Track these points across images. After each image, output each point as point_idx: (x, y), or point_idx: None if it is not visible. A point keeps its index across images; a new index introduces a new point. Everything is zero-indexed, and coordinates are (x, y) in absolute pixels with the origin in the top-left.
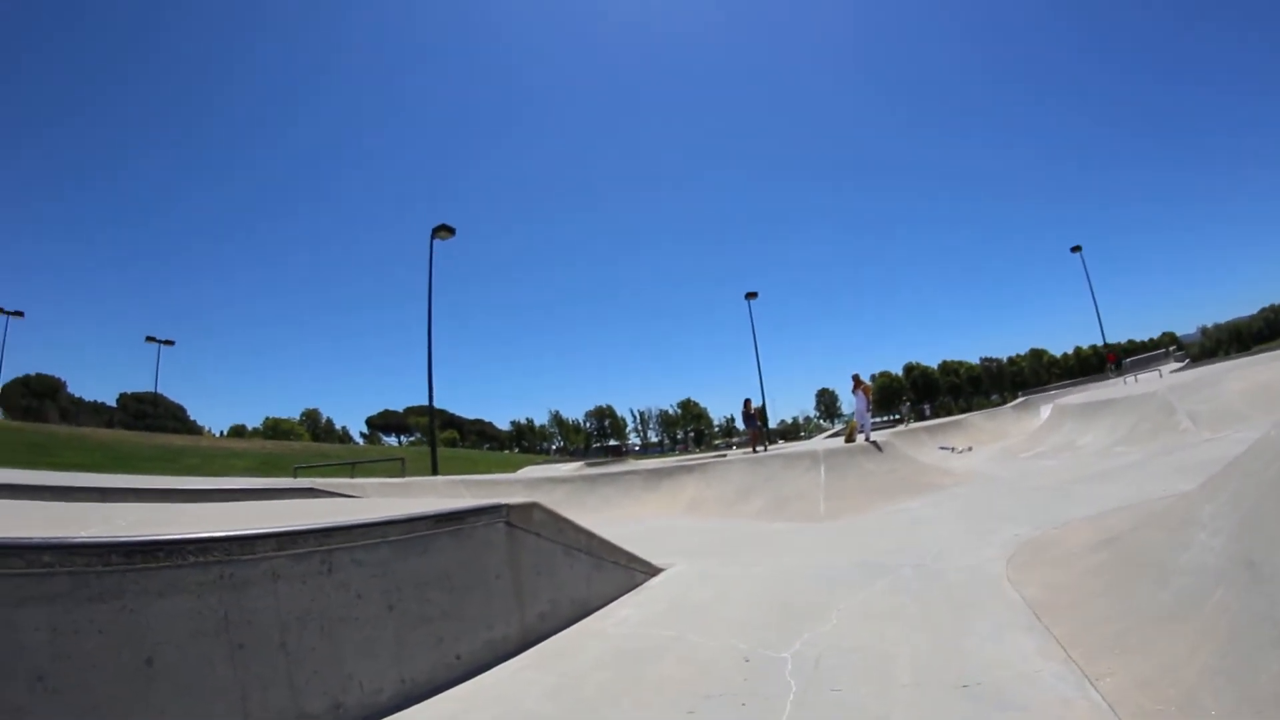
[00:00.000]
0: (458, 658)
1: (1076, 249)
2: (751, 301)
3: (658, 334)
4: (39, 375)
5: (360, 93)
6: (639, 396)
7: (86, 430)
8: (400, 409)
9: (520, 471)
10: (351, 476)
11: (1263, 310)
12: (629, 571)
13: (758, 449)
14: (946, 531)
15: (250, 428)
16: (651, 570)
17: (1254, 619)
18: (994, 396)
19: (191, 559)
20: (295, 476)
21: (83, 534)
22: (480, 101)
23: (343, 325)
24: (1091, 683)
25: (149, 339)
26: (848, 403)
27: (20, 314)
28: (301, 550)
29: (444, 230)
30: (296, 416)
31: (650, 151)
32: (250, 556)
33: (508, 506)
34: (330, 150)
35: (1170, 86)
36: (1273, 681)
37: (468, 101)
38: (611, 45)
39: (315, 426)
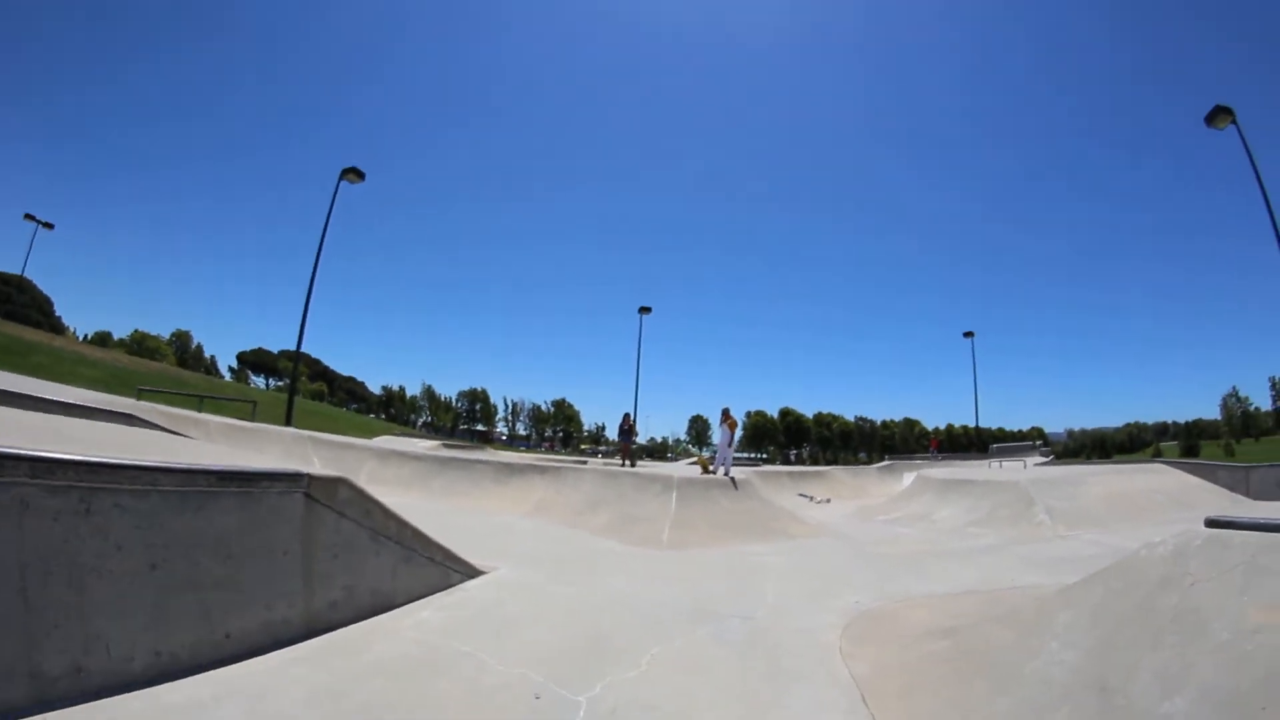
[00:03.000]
0: (227, 636)
1: (969, 334)
2: (644, 316)
3: (544, 329)
4: None
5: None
6: (515, 386)
7: None
8: (275, 350)
9: (375, 439)
10: (199, 410)
11: (1127, 425)
12: (444, 570)
13: (625, 463)
14: (787, 586)
15: (116, 337)
16: (470, 572)
17: None
18: (861, 455)
19: None
20: (139, 398)
21: None
22: (414, 63)
23: (234, 248)
24: None
25: (28, 217)
26: (719, 433)
27: None
28: (59, 482)
29: (353, 173)
30: (166, 335)
31: (568, 151)
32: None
33: (309, 477)
34: (253, 60)
35: (1081, 208)
36: None
37: (397, 56)
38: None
39: (184, 350)
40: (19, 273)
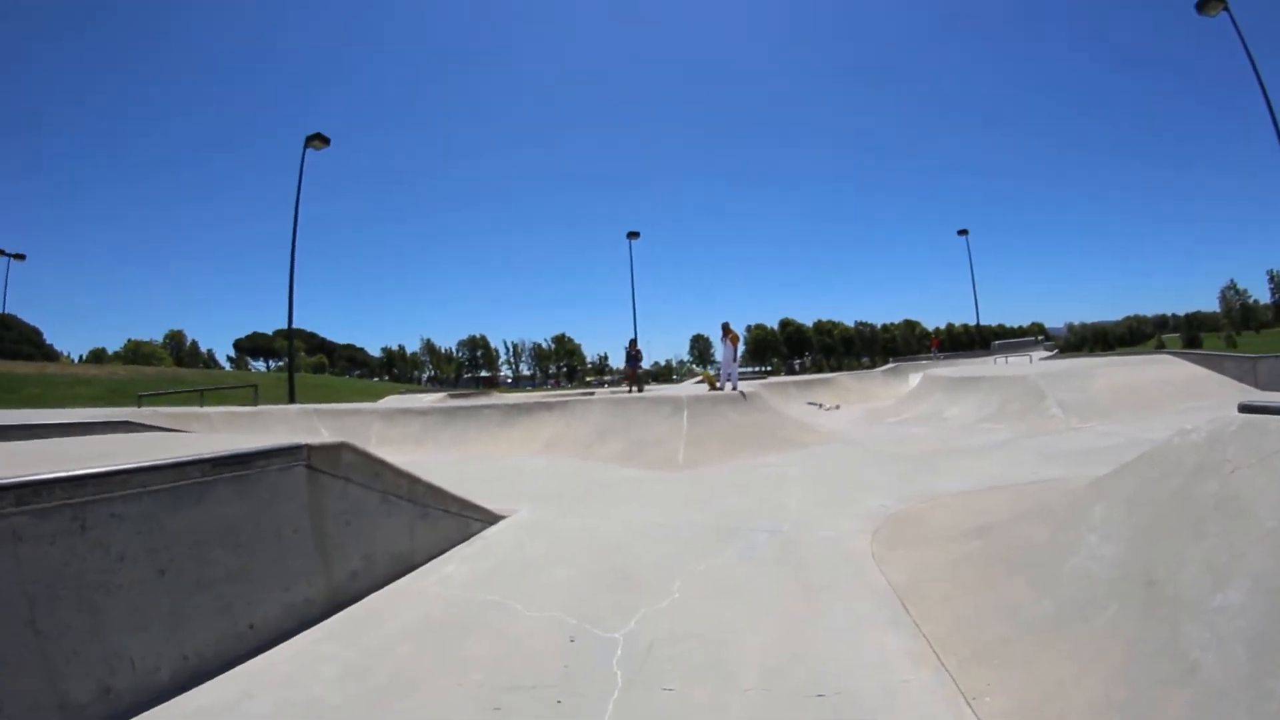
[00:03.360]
0: (251, 626)
1: (963, 232)
2: (633, 242)
3: (536, 266)
4: None
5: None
6: (513, 328)
7: None
8: (270, 332)
9: (381, 401)
10: (200, 405)
11: (1126, 318)
12: (462, 520)
13: (633, 389)
14: (807, 494)
15: (111, 351)
16: (490, 518)
17: (1154, 649)
18: (865, 359)
19: None
20: (139, 405)
21: None
22: (371, 15)
23: (213, 240)
24: (968, 702)
25: None
26: (720, 351)
27: None
28: (48, 504)
29: (318, 139)
30: (160, 339)
31: (542, 88)
32: None
33: (308, 447)
34: (205, 52)
35: (1069, 109)
36: None
37: (356, 13)
38: None
39: (179, 349)
40: (1, 310)
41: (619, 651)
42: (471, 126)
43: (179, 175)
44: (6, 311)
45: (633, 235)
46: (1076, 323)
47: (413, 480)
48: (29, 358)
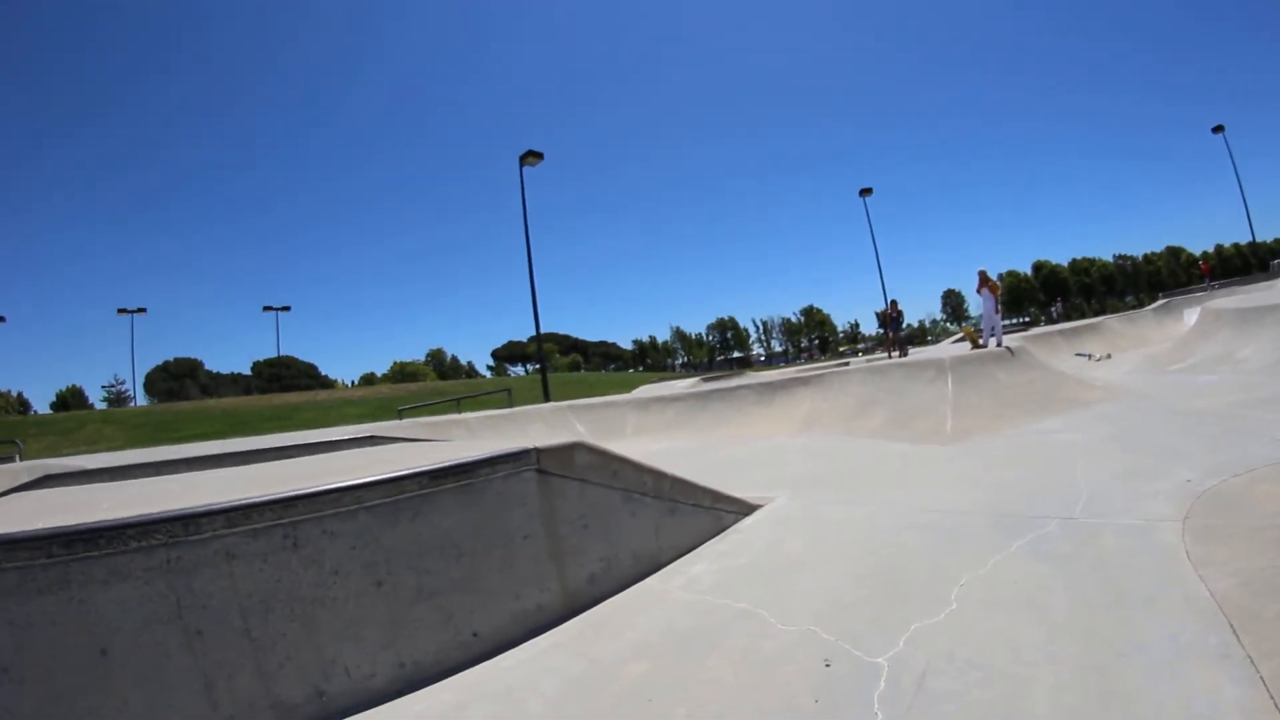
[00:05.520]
0: (475, 635)
1: (1219, 129)
2: (868, 199)
3: (777, 241)
4: (177, 359)
5: (445, 25)
6: (761, 306)
7: (211, 402)
8: (524, 339)
9: (634, 391)
10: (458, 412)
11: None
12: (714, 514)
13: (893, 353)
14: (1098, 466)
15: (380, 374)
16: (744, 509)
17: None
18: (1129, 298)
19: (134, 544)
20: (400, 418)
21: (26, 527)
22: (586, 20)
23: (467, 261)
24: None
25: (266, 308)
26: (975, 303)
27: (143, 310)
28: (259, 525)
29: (532, 156)
30: (423, 358)
31: (769, 64)
32: (198, 536)
33: (537, 451)
34: (421, 84)
35: None
36: None
37: (570, 19)
38: None
39: (441, 365)
40: (279, 354)
41: (882, 684)
42: (688, 106)
43: (431, 204)
44: (284, 354)
45: (865, 192)
46: None
47: (658, 475)
48: (308, 389)
